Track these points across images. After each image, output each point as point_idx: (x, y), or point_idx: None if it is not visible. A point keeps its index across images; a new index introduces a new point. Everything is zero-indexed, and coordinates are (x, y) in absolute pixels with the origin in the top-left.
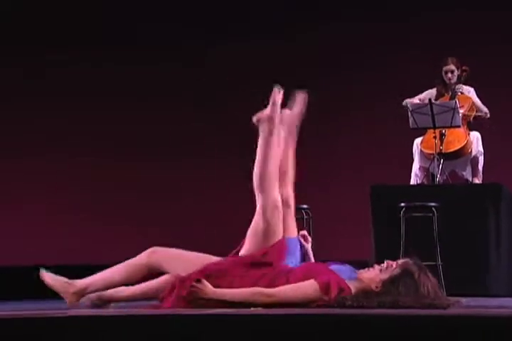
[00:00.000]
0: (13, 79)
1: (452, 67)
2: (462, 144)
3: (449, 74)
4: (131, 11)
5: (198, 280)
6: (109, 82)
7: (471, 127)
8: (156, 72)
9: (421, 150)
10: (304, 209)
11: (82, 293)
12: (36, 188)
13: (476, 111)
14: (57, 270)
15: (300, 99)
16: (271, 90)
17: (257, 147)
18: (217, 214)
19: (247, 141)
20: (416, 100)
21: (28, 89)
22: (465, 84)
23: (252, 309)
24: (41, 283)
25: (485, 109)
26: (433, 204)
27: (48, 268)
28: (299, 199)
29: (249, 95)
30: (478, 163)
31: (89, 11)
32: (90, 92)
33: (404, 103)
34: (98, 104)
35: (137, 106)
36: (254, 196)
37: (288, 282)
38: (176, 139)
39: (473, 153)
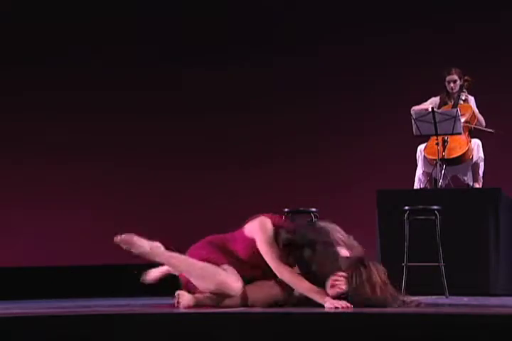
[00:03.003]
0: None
1: (455, 77)
2: (463, 151)
3: (452, 84)
4: (133, 15)
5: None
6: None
7: (472, 134)
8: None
9: (424, 156)
10: (312, 212)
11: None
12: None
13: (477, 120)
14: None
15: None
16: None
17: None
18: (222, 217)
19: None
20: (422, 107)
21: (34, 94)
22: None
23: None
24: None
25: (481, 119)
26: (435, 207)
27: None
28: (308, 202)
29: (248, 111)
30: (478, 168)
31: (91, 17)
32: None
33: (412, 111)
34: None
35: (147, 116)
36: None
37: None
38: (186, 148)
39: (474, 159)
